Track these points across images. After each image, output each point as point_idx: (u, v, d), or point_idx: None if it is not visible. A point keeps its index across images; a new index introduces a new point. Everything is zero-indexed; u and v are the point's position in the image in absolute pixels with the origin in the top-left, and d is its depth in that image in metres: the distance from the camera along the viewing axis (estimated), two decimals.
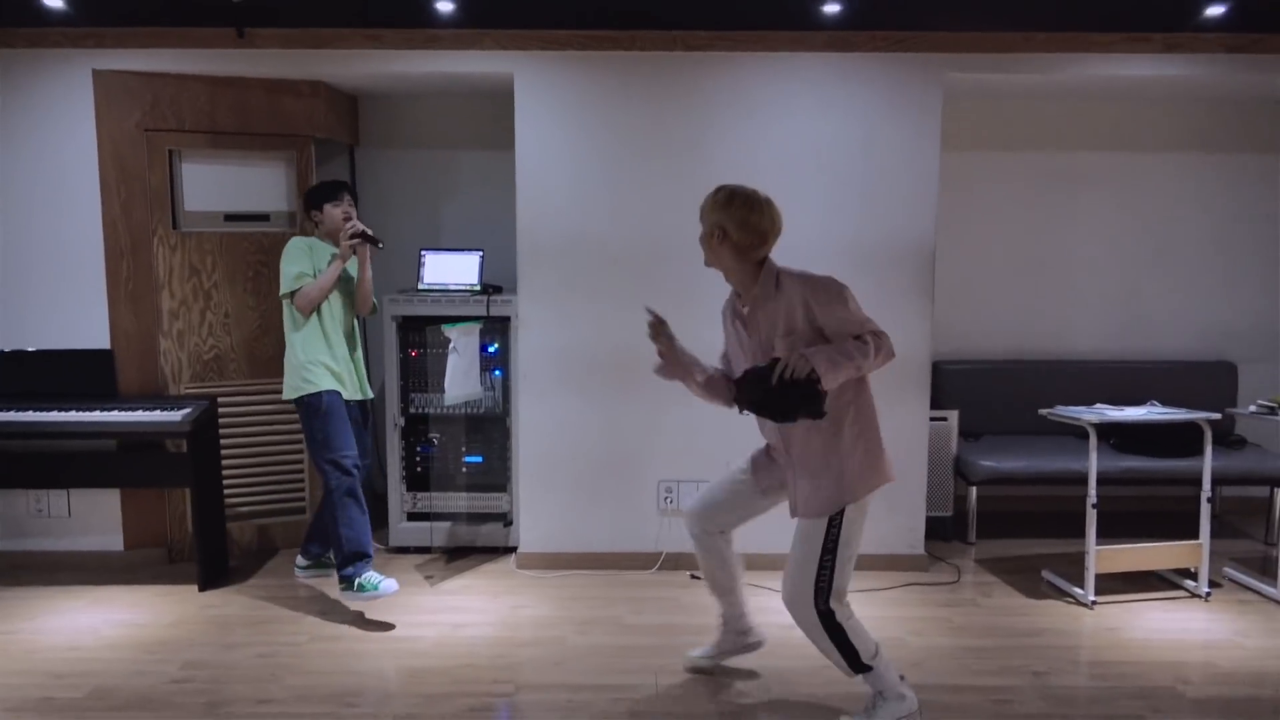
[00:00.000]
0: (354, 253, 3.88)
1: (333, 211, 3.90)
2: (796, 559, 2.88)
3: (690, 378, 3.03)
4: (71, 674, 3.35)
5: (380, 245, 3.97)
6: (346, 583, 3.78)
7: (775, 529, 4.40)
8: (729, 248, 2.85)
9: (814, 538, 2.84)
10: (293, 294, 3.81)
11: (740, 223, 2.81)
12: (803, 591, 2.85)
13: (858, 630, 2.90)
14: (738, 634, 3.39)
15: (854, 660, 2.89)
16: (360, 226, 3.87)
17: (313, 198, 3.95)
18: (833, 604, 2.85)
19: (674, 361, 3.01)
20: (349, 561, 3.78)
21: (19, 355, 4.18)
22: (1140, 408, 4.19)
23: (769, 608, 3.96)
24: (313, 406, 3.83)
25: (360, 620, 3.80)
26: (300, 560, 4.20)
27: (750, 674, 3.38)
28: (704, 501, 3.24)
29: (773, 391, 2.69)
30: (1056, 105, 5.09)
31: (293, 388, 3.87)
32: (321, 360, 3.86)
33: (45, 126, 4.16)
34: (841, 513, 2.83)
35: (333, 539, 3.82)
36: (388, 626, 3.75)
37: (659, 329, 2.99)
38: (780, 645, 3.60)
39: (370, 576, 3.78)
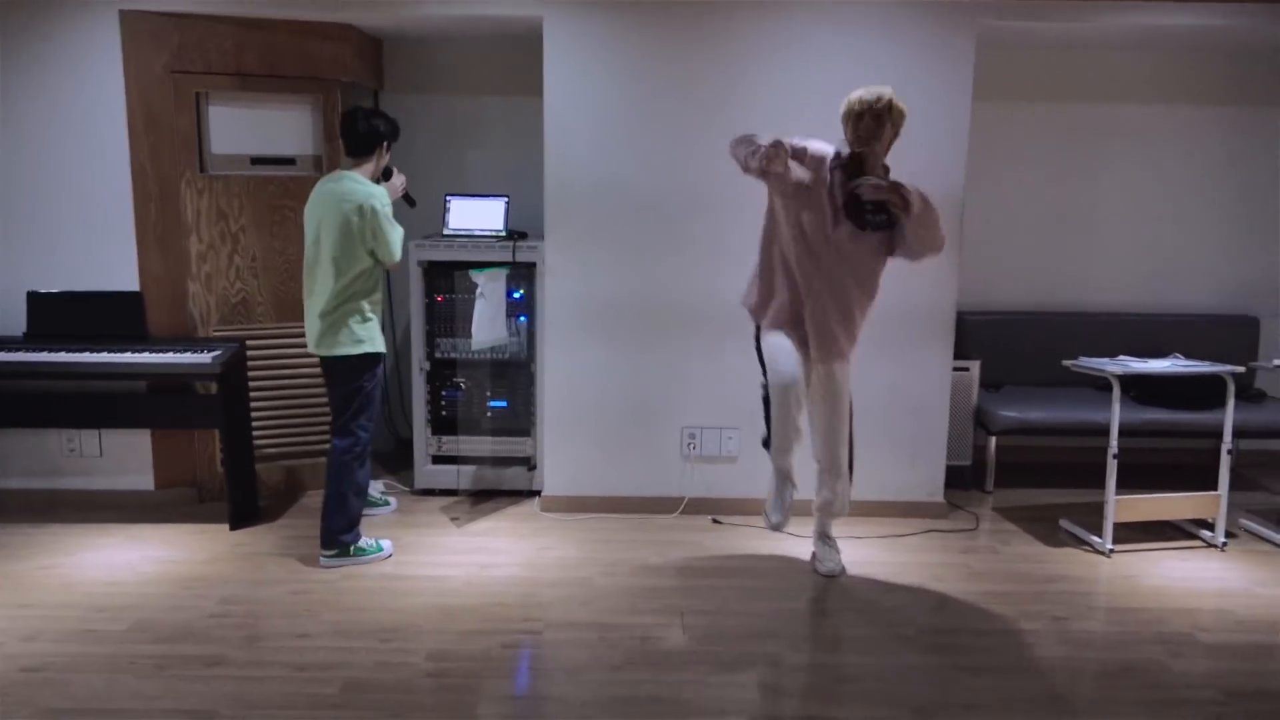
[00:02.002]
0: None
1: (387, 156, 3.88)
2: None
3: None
4: (112, 607, 3.44)
5: (414, 205, 4.23)
6: (342, 549, 3.79)
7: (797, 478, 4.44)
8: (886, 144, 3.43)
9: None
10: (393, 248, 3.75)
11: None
12: None
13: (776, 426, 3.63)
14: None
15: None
16: (404, 185, 4.05)
17: (396, 131, 3.84)
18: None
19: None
20: (350, 528, 3.81)
21: (50, 298, 4.22)
22: (1163, 360, 4.21)
23: (791, 551, 4.02)
24: (374, 369, 3.79)
25: (390, 560, 3.87)
26: None
27: (774, 615, 3.45)
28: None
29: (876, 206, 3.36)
30: (1084, 55, 5.03)
31: (354, 342, 3.72)
32: (379, 320, 3.83)
33: (72, 69, 4.15)
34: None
35: (335, 500, 3.76)
36: (417, 566, 3.82)
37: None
38: (805, 589, 3.67)
39: (367, 542, 3.86)
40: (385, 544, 3.90)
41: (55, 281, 4.28)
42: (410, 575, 3.74)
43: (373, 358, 3.78)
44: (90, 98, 4.17)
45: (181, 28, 4.14)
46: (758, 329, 3.68)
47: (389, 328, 5.19)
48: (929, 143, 4.20)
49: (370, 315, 3.78)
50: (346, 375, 3.78)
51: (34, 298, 4.21)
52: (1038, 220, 5.18)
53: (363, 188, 3.69)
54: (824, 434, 3.64)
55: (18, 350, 4.04)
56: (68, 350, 4.05)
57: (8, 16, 4.10)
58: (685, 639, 3.26)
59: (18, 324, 4.26)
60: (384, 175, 3.93)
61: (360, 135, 3.73)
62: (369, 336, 3.76)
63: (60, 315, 4.22)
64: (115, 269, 4.28)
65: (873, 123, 3.32)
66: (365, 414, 3.81)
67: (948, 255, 4.27)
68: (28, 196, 4.24)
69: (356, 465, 3.80)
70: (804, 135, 3.47)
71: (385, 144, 3.80)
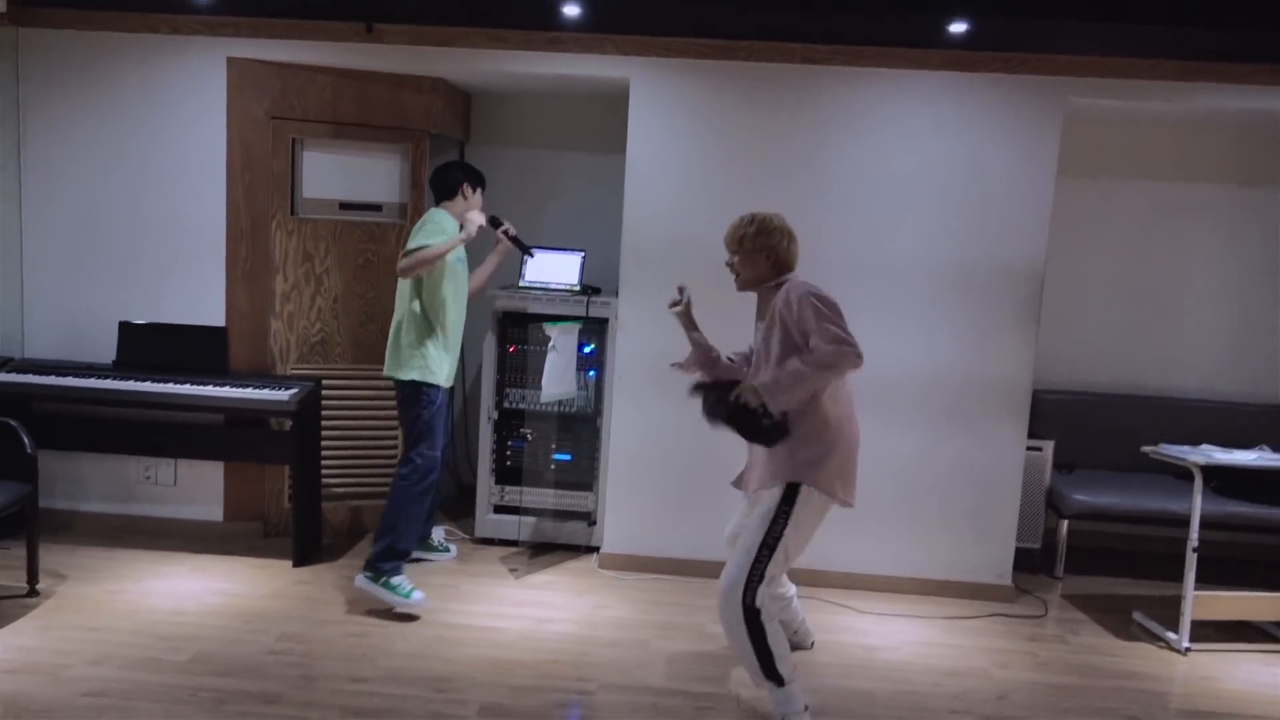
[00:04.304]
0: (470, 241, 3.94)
1: (476, 198, 4.04)
2: (743, 546, 3.04)
3: (705, 357, 3.47)
4: (175, 637, 3.50)
5: (531, 255, 4.37)
6: (375, 573, 3.79)
7: (853, 547, 4.38)
8: (771, 263, 3.19)
9: (763, 522, 3.03)
10: (410, 253, 3.72)
11: (786, 248, 3.19)
12: (736, 581, 2.98)
13: (778, 637, 3.01)
14: (792, 634, 3.63)
15: (768, 665, 2.99)
16: (512, 229, 4.19)
17: (475, 177, 4.06)
18: (760, 602, 2.96)
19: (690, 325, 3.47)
20: (391, 556, 3.80)
21: (140, 328, 4.37)
22: (1250, 452, 4.06)
23: (851, 627, 3.94)
24: (428, 398, 3.87)
25: (446, 608, 3.88)
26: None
27: (832, 693, 3.37)
28: (731, 532, 3.52)
29: (733, 413, 2.99)
30: (1172, 134, 4.95)
31: (410, 368, 3.84)
32: (448, 351, 3.92)
33: (179, 109, 4.34)
34: (795, 495, 3.01)
35: (386, 524, 3.81)
36: (474, 616, 3.82)
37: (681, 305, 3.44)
38: (864, 667, 3.59)
39: (403, 582, 3.80)
40: (417, 595, 3.80)
41: (146, 312, 4.44)
42: (467, 625, 3.74)
43: (423, 386, 3.85)
44: (193, 137, 4.35)
45: (283, 76, 4.31)
46: (793, 498, 3.04)
47: (459, 375, 5.26)
48: (1010, 219, 4.17)
49: (423, 343, 3.86)
50: (403, 400, 3.92)
51: (125, 327, 4.36)
52: (1119, 299, 5.07)
53: (427, 215, 3.90)
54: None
55: (107, 378, 4.17)
56: (153, 380, 4.17)
57: (120, 52, 4.31)
58: (739, 713, 3.19)
59: (108, 351, 4.41)
60: (492, 224, 4.14)
61: (442, 181, 4.02)
62: (419, 365, 3.85)
63: (148, 345, 4.36)
64: (203, 303, 4.43)
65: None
66: (424, 442, 3.87)
67: (1025, 331, 4.21)
68: (126, 229, 4.42)
69: (414, 493, 3.84)
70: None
71: (464, 186, 4.00)
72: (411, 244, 3.77)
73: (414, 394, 3.87)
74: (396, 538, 3.82)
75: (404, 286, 3.89)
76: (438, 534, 4.53)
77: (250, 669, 3.28)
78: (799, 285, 3.08)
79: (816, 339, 2.97)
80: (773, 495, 3.06)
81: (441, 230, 3.81)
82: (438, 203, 4.02)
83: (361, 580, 3.83)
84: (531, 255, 4.37)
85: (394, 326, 3.93)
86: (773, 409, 2.95)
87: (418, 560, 4.26)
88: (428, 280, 3.84)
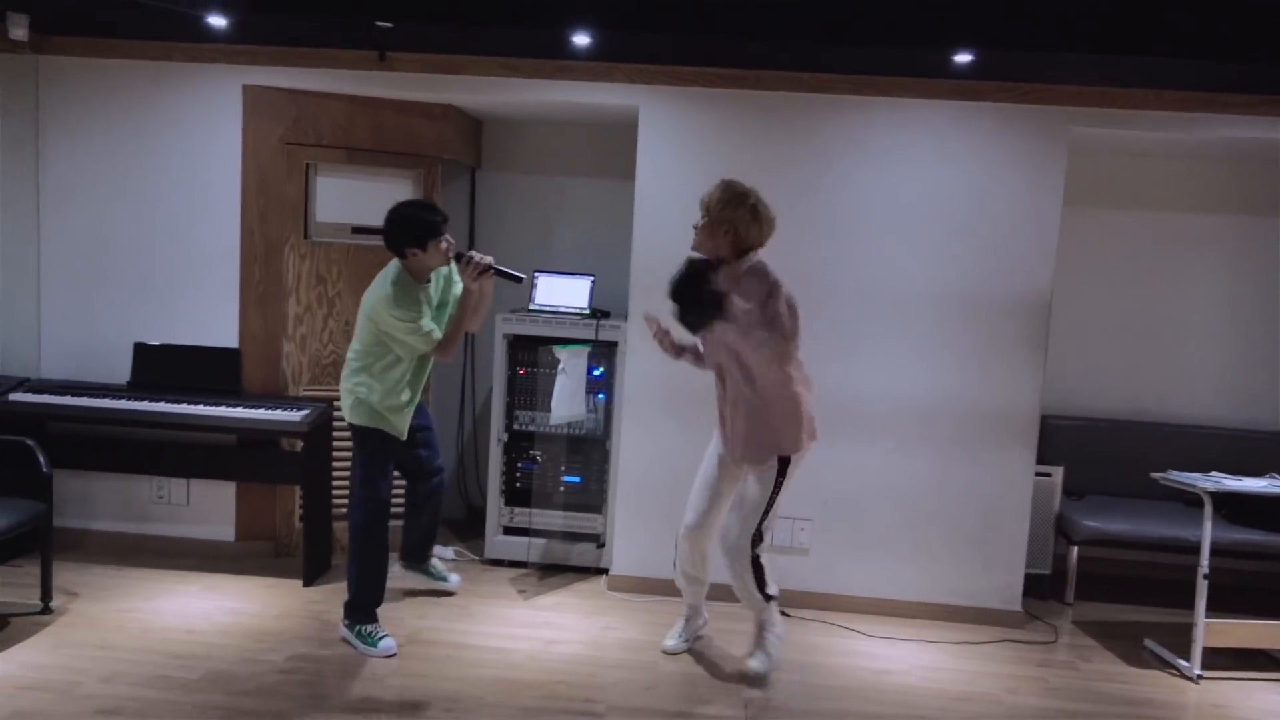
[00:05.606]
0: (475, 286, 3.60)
1: (438, 247, 3.55)
2: (746, 511, 3.47)
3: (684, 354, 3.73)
4: (187, 655, 3.52)
5: (520, 280, 3.75)
6: (350, 623, 3.71)
7: (863, 572, 4.39)
8: (730, 241, 3.36)
9: (763, 494, 3.44)
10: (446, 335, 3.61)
11: (747, 227, 3.36)
12: (742, 543, 3.48)
13: (769, 567, 3.57)
14: (699, 619, 3.97)
15: (763, 589, 3.55)
16: (489, 260, 3.59)
17: (418, 234, 3.50)
18: (759, 551, 3.51)
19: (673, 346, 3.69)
20: (358, 607, 3.70)
21: (154, 349, 4.42)
22: (1259, 479, 4.05)
23: (860, 651, 3.93)
24: (380, 442, 3.66)
25: (455, 628, 3.89)
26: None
27: (840, 717, 3.36)
28: (698, 512, 3.71)
29: (690, 292, 3.22)
30: (1177, 164, 4.98)
31: (367, 416, 3.63)
32: (403, 405, 3.68)
33: (195, 135, 4.42)
34: (788, 465, 3.44)
35: (348, 574, 3.70)
36: (483, 637, 3.83)
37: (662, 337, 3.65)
38: (873, 690, 3.58)
39: (374, 630, 3.67)
40: (386, 643, 3.64)
41: (160, 334, 4.50)
42: (475, 645, 3.75)
43: (386, 434, 3.65)
44: (208, 163, 4.42)
45: (298, 102, 4.38)
46: (785, 468, 3.45)
47: (469, 397, 5.30)
48: (1016, 247, 4.20)
49: (390, 399, 3.63)
50: (357, 441, 3.71)
51: (139, 348, 4.42)
52: (1126, 327, 5.08)
53: (376, 291, 3.55)
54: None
55: (121, 398, 4.22)
56: (167, 401, 4.21)
57: (138, 80, 4.40)
58: None
59: (122, 372, 4.46)
60: (457, 260, 3.64)
61: (389, 239, 3.58)
62: (380, 419, 3.63)
63: (162, 366, 4.41)
64: (217, 325, 4.48)
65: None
66: (361, 487, 3.68)
67: (1033, 358, 4.22)
68: (142, 252, 4.48)
69: (361, 539, 3.67)
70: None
71: (418, 245, 3.52)
72: (421, 340, 3.54)
73: (364, 435, 3.68)
74: (356, 583, 3.71)
75: (360, 333, 3.66)
76: (446, 554, 4.55)
77: (261, 689, 3.30)
78: (781, 283, 3.32)
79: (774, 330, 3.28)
80: (767, 471, 3.45)
81: (415, 299, 3.54)
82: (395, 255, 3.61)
83: (340, 628, 3.75)
84: (518, 281, 3.77)
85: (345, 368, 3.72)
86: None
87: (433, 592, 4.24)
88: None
